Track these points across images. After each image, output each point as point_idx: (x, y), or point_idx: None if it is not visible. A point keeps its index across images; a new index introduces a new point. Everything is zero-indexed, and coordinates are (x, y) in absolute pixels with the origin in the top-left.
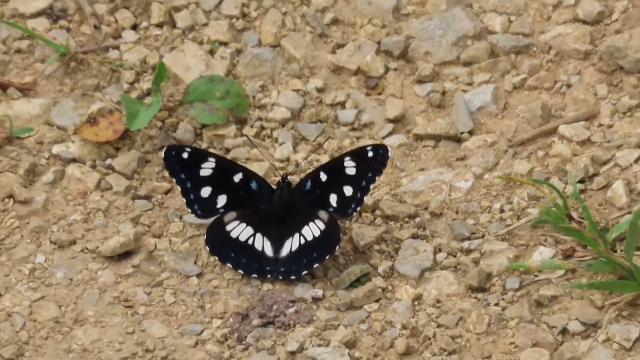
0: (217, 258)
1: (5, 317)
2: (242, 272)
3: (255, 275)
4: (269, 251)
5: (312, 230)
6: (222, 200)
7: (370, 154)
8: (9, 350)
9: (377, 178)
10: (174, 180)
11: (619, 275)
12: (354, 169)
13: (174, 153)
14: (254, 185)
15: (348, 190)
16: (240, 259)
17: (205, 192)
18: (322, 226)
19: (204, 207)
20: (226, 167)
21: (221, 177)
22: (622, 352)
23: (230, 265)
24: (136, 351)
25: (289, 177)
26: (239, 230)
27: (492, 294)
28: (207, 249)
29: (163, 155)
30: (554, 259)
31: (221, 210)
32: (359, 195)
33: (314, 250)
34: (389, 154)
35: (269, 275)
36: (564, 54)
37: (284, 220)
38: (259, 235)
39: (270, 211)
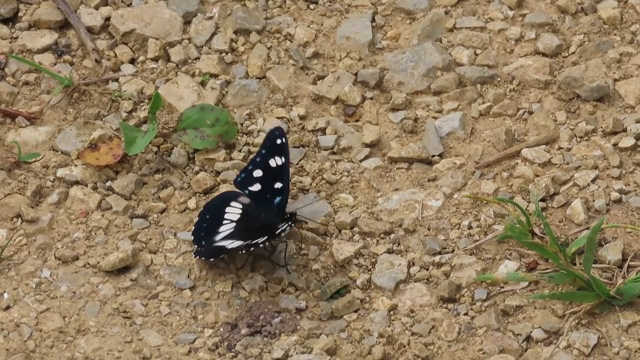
0: (201, 210)
1: (14, 327)
2: (192, 231)
3: (192, 244)
4: (220, 242)
5: None
6: (256, 187)
7: None
8: (17, 358)
9: None
10: (259, 149)
11: (578, 287)
12: None
13: (277, 133)
14: (277, 200)
15: None
16: (203, 224)
17: (257, 173)
18: None
19: (245, 182)
20: (284, 172)
21: (275, 174)
22: (582, 358)
23: (196, 219)
24: (134, 359)
25: (296, 216)
26: (232, 212)
27: (462, 304)
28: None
29: (270, 130)
30: (518, 272)
31: (246, 192)
32: None
33: None
34: None
35: (194, 253)
36: (526, 84)
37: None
38: (233, 230)
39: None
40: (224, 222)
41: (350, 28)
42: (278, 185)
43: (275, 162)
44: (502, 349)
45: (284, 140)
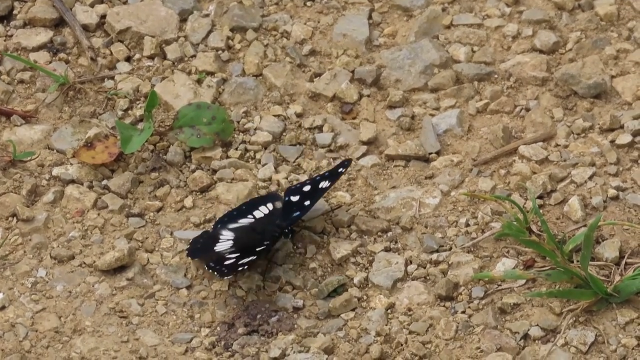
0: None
1: (9, 327)
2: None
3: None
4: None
5: None
6: (295, 198)
7: None
8: (13, 359)
9: None
10: (328, 171)
11: (575, 284)
12: None
13: (345, 164)
14: (295, 214)
15: None
16: (234, 212)
17: (306, 188)
18: None
19: (294, 191)
20: (319, 195)
21: (314, 194)
22: (580, 355)
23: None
24: (131, 358)
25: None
26: (261, 211)
27: (459, 303)
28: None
29: (345, 159)
30: (515, 270)
31: (286, 198)
32: None
33: None
34: None
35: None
36: (523, 81)
37: None
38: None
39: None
40: (249, 216)
41: (347, 25)
42: (307, 202)
43: (323, 184)
44: (499, 347)
45: (343, 170)
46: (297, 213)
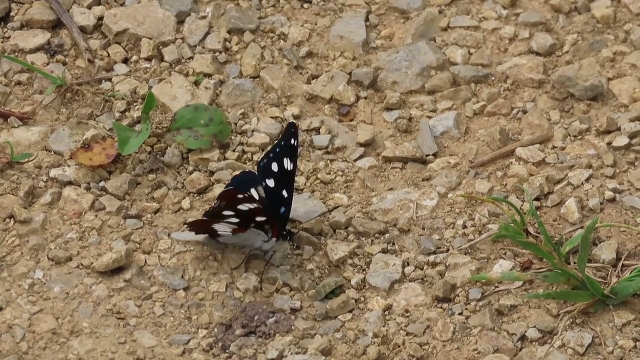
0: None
1: (6, 329)
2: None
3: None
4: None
5: None
6: (271, 183)
7: None
8: None
9: None
10: (279, 139)
11: (572, 286)
12: None
13: (292, 131)
14: (281, 210)
15: None
16: None
17: (274, 167)
18: None
19: (265, 170)
20: (291, 180)
21: (284, 179)
22: (577, 357)
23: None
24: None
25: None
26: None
27: (457, 304)
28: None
29: (289, 123)
30: (512, 271)
31: (263, 183)
32: None
33: None
34: None
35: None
36: (520, 83)
37: None
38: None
39: None
40: None
41: (344, 27)
42: (284, 193)
43: (287, 164)
44: (496, 348)
45: (295, 143)
46: (283, 209)
